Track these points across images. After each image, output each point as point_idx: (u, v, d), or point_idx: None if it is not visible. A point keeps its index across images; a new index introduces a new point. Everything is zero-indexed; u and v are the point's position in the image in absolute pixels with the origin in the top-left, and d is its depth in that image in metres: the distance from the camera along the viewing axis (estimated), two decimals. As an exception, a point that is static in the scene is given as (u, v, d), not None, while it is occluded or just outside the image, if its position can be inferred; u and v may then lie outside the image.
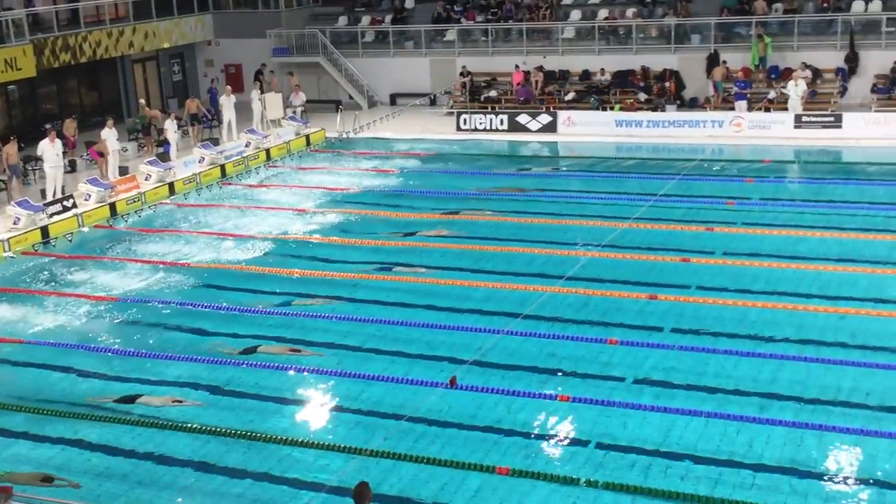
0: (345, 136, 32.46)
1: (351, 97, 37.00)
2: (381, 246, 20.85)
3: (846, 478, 11.46)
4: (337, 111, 33.63)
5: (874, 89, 30.70)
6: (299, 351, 15.67)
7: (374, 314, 17.00)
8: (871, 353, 14.57)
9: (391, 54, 37.42)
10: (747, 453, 12.01)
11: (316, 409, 14.07)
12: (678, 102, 32.37)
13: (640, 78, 33.24)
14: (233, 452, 12.66)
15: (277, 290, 18.43)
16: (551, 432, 12.88)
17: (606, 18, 35.30)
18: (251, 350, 15.73)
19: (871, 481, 11.34)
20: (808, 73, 30.87)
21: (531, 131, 31.75)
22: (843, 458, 11.87)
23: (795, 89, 29.71)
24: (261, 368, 15.10)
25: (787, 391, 13.54)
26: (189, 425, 13.34)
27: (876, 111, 29.57)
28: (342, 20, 39.24)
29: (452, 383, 13.68)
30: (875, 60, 31.27)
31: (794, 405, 13.15)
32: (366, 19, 38.98)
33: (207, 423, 13.34)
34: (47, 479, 12.13)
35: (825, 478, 11.47)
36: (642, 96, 32.44)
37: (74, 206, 24.00)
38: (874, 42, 31.60)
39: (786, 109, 29.89)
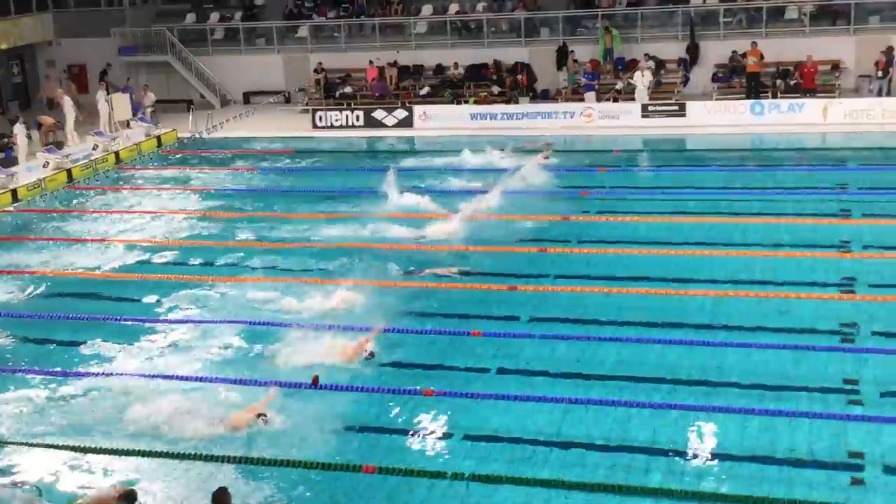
0: (197, 136, 31.75)
1: (203, 96, 36.19)
2: (237, 247, 20.46)
3: (708, 454, 11.83)
4: (188, 111, 32.84)
5: (715, 78, 31.96)
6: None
7: (239, 315, 16.60)
8: (723, 332, 15.08)
9: (242, 52, 36.77)
10: (610, 436, 12.26)
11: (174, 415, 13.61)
12: (531, 95, 32.94)
13: (492, 71, 33.65)
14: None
15: (131, 297, 17.86)
16: (417, 427, 12.86)
17: (458, 12, 35.60)
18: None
19: (724, 456, 11.73)
20: (652, 63, 31.89)
21: (387, 126, 31.76)
22: (703, 436, 12.21)
23: (641, 80, 30.64)
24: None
25: (646, 372, 13.89)
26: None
27: (717, 99, 30.80)
28: (190, 17, 38.30)
29: (315, 383, 13.55)
30: (714, 50, 32.59)
31: (654, 386, 13.47)
32: (215, 16, 38.18)
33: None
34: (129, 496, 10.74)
35: (689, 456, 11.79)
36: (496, 89, 32.86)
37: None
38: (713, 33, 32.91)
39: (633, 100, 30.80)
